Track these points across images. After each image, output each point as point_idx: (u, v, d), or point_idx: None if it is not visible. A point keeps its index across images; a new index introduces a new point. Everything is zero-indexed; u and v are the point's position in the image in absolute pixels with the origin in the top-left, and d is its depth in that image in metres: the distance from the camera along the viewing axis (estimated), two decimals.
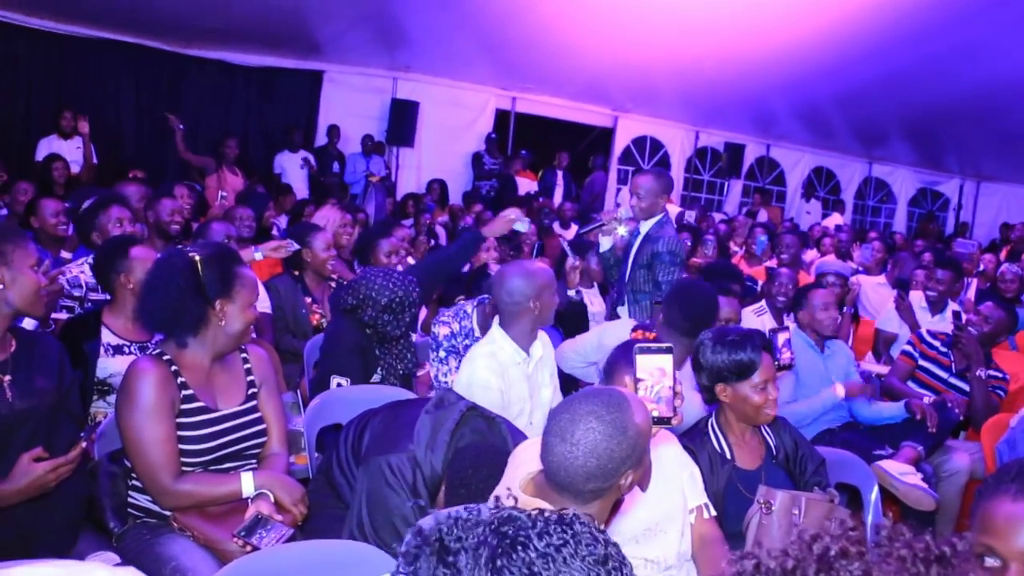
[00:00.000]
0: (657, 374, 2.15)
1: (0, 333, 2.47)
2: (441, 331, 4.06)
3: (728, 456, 2.88)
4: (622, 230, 5.99)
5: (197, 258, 2.56)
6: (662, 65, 10.64)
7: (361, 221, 7.60)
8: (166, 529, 2.53)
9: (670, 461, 2.56)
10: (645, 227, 4.93)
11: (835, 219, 13.23)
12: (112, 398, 3.25)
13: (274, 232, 7.30)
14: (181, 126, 9.01)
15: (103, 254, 3.47)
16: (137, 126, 10.40)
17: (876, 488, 3.41)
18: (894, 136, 14.27)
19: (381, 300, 3.57)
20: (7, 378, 2.44)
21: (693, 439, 2.90)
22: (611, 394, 1.88)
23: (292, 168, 10.66)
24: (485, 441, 2.53)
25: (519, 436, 2.62)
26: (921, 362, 4.77)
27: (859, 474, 3.45)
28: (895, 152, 15.35)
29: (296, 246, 4.77)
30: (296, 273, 4.85)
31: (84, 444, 2.40)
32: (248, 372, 2.78)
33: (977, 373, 4.48)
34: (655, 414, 2.10)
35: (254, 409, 2.74)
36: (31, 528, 2.42)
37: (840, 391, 4.17)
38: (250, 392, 2.76)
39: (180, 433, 2.52)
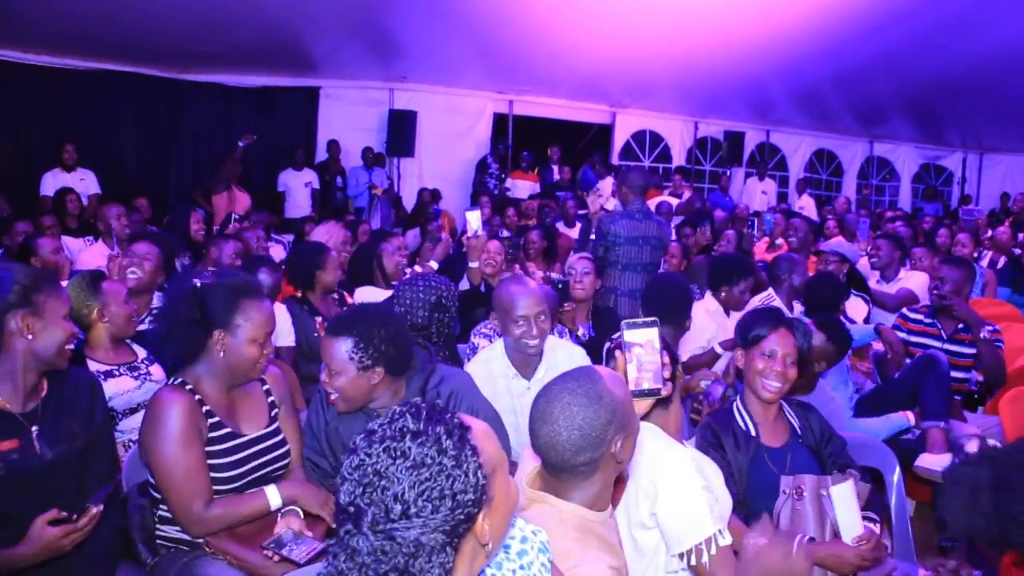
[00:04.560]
0: (645, 347, 2.19)
1: (30, 384, 2.41)
2: (482, 343, 4.07)
3: (753, 433, 2.91)
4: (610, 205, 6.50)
5: (198, 284, 2.55)
6: (657, 58, 10.63)
7: (364, 233, 7.62)
8: (200, 553, 2.55)
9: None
10: None
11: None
12: (122, 424, 3.30)
13: (280, 250, 7.33)
14: (242, 143, 8.80)
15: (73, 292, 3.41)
16: (138, 154, 10.46)
17: (898, 470, 3.42)
18: (894, 113, 14.23)
19: (430, 299, 3.59)
20: (34, 429, 2.39)
21: (718, 419, 2.96)
22: (581, 371, 1.97)
23: (296, 186, 10.71)
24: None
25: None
26: (912, 339, 4.78)
27: (879, 457, 3.46)
28: (896, 130, 15.31)
29: None
30: (299, 295, 4.70)
31: (95, 510, 2.31)
32: (268, 394, 2.79)
33: (982, 334, 4.51)
34: (644, 385, 2.16)
35: (277, 431, 2.76)
36: (70, 561, 2.38)
37: (911, 419, 4.15)
38: (272, 414, 2.77)
39: (210, 461, 2.53)
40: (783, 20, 9.47)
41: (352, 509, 1.30)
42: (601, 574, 1.83)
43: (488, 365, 3.48)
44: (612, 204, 5.44)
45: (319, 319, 4.65)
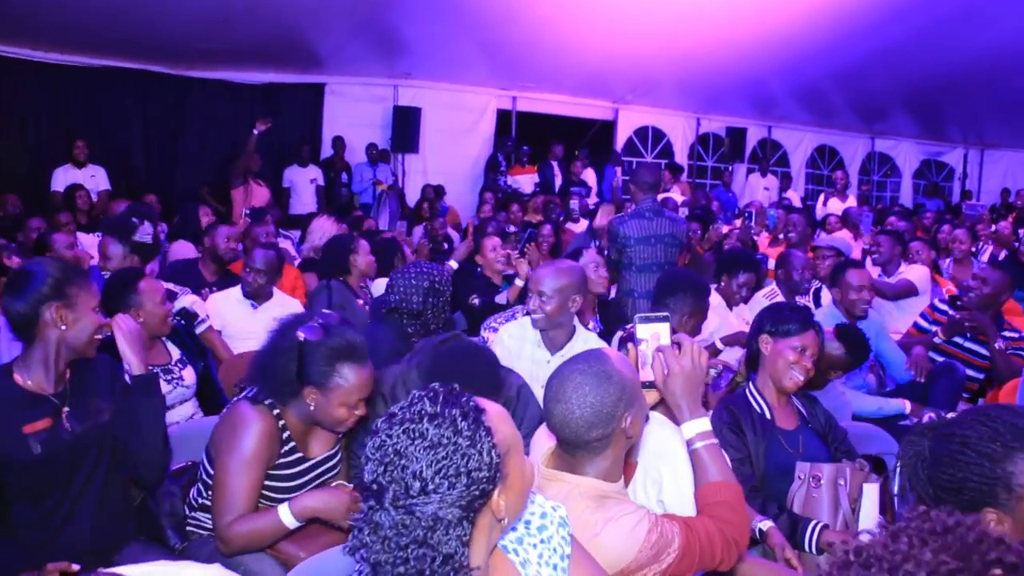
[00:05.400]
0: (652, 341, 2.28)
1: (60, 370, 2.52)
2: (490, 336, 4.17)
3: (768, 416, 3.04)
4: None
5: (301, 339, 2.53)
6: (660, 55, 10.68)
7: (370, 229, 7.72)
8: None
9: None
10: None
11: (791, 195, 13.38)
12: None
13: (288, 246, 7.41)
14: (259, 129, 8.80)
15: (111, 289, 3.49)
16: (146, 151, 10.54)
17: None
18: (895, 110, 14.28)
19: (423, 284, 3.74)
20: (65, 410, 2.51)
21: (735, 402, 3.07)
22: (591, 353, 2.11)
23: (301, 182, 10.79)
24: (463, 344, 2.63)
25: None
26: (937, 330, 4.85)
27: (884, 444, 3.53)
28: (897, 126, 15.36)
29: None
30: (341, 279, 5.12)
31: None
32: None
33: (996, 345, 4.56)
34: (651, 377, 2.24)
35: (339, 451, 2.82)
36: (79, 535, 2.51)
37: (908, 409, 4.29)
38: (340, 436, 2.81)
39: (273, 473, 2.59)
40: (784, 17, 9.52)
41: (375, 486, 1.40)
42: (630, 518, 1.94)
43: (523, 328, 3.75)
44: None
45: (360, 301, 5.02)
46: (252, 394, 2.60)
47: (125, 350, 2.63)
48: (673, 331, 2.32)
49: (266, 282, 4.76)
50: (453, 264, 5.79)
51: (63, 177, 8.74)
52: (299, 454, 2.64)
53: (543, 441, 2.19)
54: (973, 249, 7.78)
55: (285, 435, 2.60)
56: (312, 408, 2.56)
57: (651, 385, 2.24)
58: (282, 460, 2.60)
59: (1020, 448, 1.69)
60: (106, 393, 2.65)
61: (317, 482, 2.71)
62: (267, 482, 2.58)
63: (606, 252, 5.52)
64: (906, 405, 4.30)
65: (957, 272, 6.95)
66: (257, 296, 4.74)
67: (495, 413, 1.52)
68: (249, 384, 2.64)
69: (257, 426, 2.52)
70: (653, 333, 2.29)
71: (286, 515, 2.49)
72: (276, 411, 2.59)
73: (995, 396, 4.65)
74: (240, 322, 4.63)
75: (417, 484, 1.37)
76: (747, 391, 3.12)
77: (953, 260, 6.91)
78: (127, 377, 2.65)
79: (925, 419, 4.00)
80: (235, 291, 4.78)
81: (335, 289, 4.97)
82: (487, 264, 5.87)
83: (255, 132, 8.62)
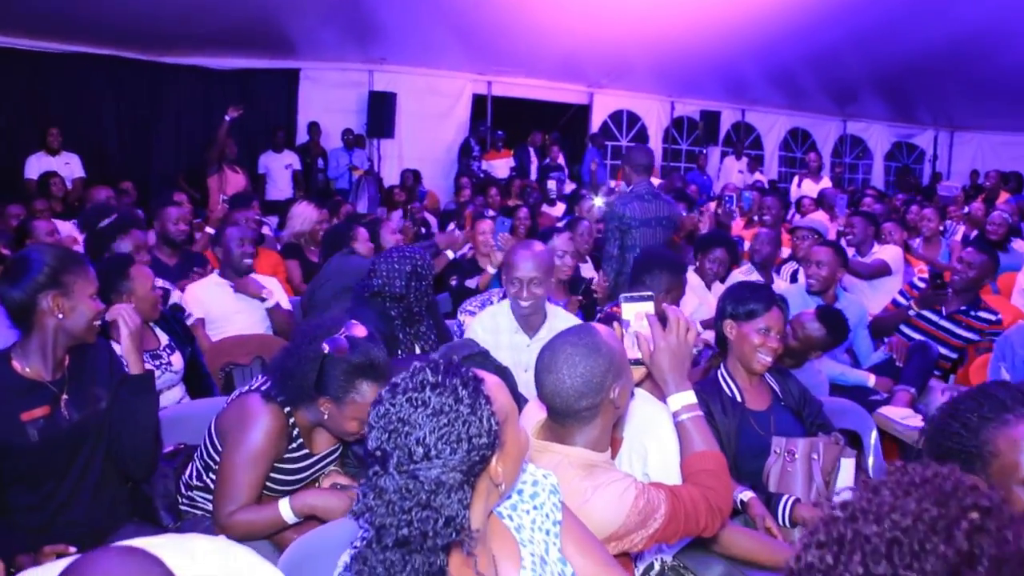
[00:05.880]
0: (637, 319, 2.34)
1: (60, 357, 2.53)
2: (467, 320, 4.22)
3: (739, 399, 3.08)
4: (598, 201, 6.51)
5: (325, 351, 2.52)
6: (635, 39, 10.75)
7: (347, 214, 7.72)
8: None
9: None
10: None
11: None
12: None
13: (266, 231, 7.40)
14: (230, 116, 8.65)
15: (101, 275, 3.49)
16: (120, 138, 10.45)
17: (875, 432, 3.60)
18: (867, 93, 14.43)
19: (405, 268, 3.78)
20: (64, 397, 2.52)
21: (705, 387, 3.10)
22: (580, 327, 2.20)
23: (276, 168, 10.76)
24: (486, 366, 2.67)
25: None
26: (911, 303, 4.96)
27: (858, 419, 3.64)
28: (868, 108, 15.52)
29: None
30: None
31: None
32: None
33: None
34: (637, 355, 2.30)
35: (341, 445, 2.85)
36: (74, 519, 2.54)
37: (871, 382, 4.41)
38: None
39: (278, 466, 2.62)
40: (757, 1, 9.61)
41: (379, 453, 1.46)
42: (617, 485, 2.01)
43: (495, 319, 3.74)
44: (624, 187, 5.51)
45: None
46: (266, 388, 2.61)
47: (127, 347, 2.65)
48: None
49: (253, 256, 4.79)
50: (449, 254, 5.87)
51: (37, 164, 8.65)
52: (305, 450, 2.68)
53: (533, 413, 2.26)
54: (941, 228, 7.91)
55: (294, 432, 2.63)
56: (325, 417, 2.57)
57: (638, 362, 2.30)
58: (288, 456, 2.64)
59: (995, 419, 1.76)
60: (104, 381, 2.65)
61: (319, 469, 2.76)
62: (271, 474, 2.61)
63: (609, 234, 5.42)
64: (870, 378, 4.42)
65: (927, 251, 7.07)
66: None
67: (493, 383, 1.59)
68: (267, 377, 2.64)
69: (267, 423, 2.53)
70: (638, 312, 2.36)
71: (286, 510, 2.52)
72: (287, 409, 2.61)
73: (965, 373, 4.76)
74: (222, 305, 4.64)
75: (420, 450, 1.43)
76: (719, 374, 3.15)
77: (923, 239, 7.03)
78: (125, 368, 2.67)
79: (899, 396, 4.16)
80: (211, 277, 4.78)
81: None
82: (478, 247, 5.91)
83: (227, 119, 8.57)
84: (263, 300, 4.61)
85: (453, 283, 5.49)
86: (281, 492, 2.63)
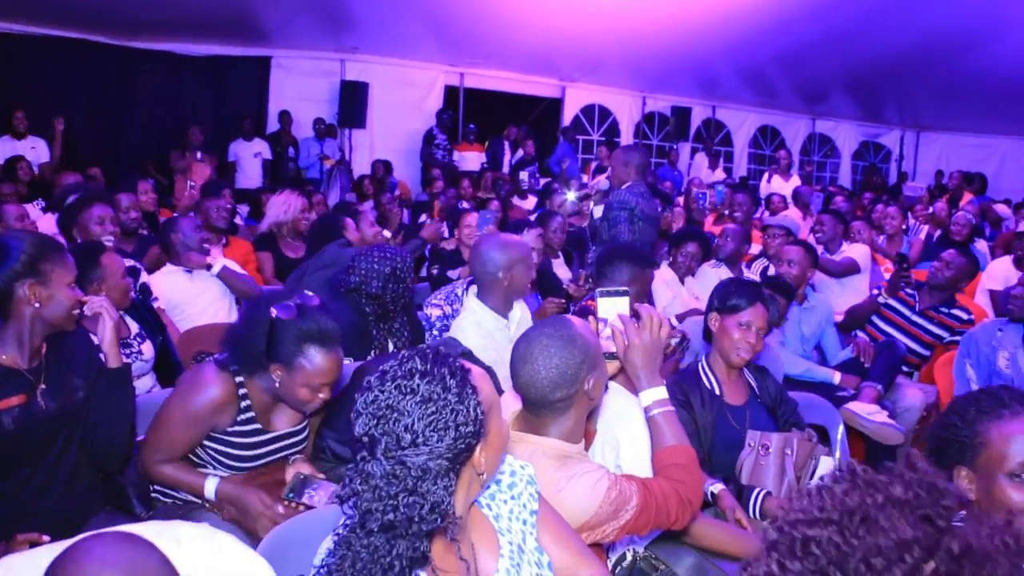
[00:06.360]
0: (614, 314, 2.38)
1: (36, 345, 2.50)
2: (433, 312, 4.23)
3: (718, 392, 3.15)
4: (571, 196, 6.51)
5: (273, 316, 2.55)
6: (607, 34, 10.77)
7: (319, 203, 7.70)
8: (197, 507, 2.66)
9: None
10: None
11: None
12: None
13: (237, 220, 7.36)
14: None
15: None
16: (88, 123, 10.30)
17: (842, 427, 3.66)
18: (835, 92, 14.57)
19: (384, 270, 3.76)
20: (41, 387, 2.49)
21: (686, 378, 3.17)
22: (555, 319, 2.22)
23: (246, 156, 10.69)
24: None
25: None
26: (888, 300, 5.04)
27: (826, 415, 3.69)
28: (837, 107, 15.67)
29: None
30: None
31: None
32: None
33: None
34: (612, 348, 2.34)
35: (305, 428, 2.85)
36: (46, 508, 2.52)
37: (836, 379, 4.52)
38: (304, 423, 2.84)
39: (226, 439, 2.63)
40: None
41: (366, 439, 1.48)
42: (591, 476, 2.04)
43: (480, 326, 3.55)
44: (603, 182, 5.51)
45: None
46: (222, 358, 2.65)
47: (106, 340, 2.63)
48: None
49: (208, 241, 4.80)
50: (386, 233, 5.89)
51: (2, 149, 8.55)
52: (256, 425, 2.66)
53: (509, 404, 2.28)
54: (904, 227, 8.05)
55: (244, 404, 2.63)
56: (277, 385, 2.58)
57: (612, 356, 2.33)
58: (237, 428, 2.64)
59: (991, 414, 1.84)
60: (82, 371, 2.63)
61: (275, 449, 2.74)
62: (221, 447, 2.63)
63: (621, 223, 5.29)
64: (835, 375, 4.52)
65: (889, 247, 7.19)
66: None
67: (478, 373, 1.62)
68: (221, 350, 2.67)
69: (214, 390, 2.57)
70: (613, 307, 2.38)
71: (210, 486, 2.58)
72: (239, 379, 2.62)
73: (929, 370, 4.85)
74: (182, 291, 4.58)
75: (408, 436, 1.45)
76: (700, 366, 3.23)
77: (886, 236, 7.15)
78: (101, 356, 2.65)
79: (865, 392, 4.23)
80: (164, 268, 4.70)
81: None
82: (462, 240, 5.90)
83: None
84: (209, 268, 4.60)
85: (435, 272, 5.48)
86: (235, 468, 2.65)
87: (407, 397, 1.48)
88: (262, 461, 2.71)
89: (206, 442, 2.64)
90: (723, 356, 3.17)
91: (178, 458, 2.61)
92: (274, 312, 2.55)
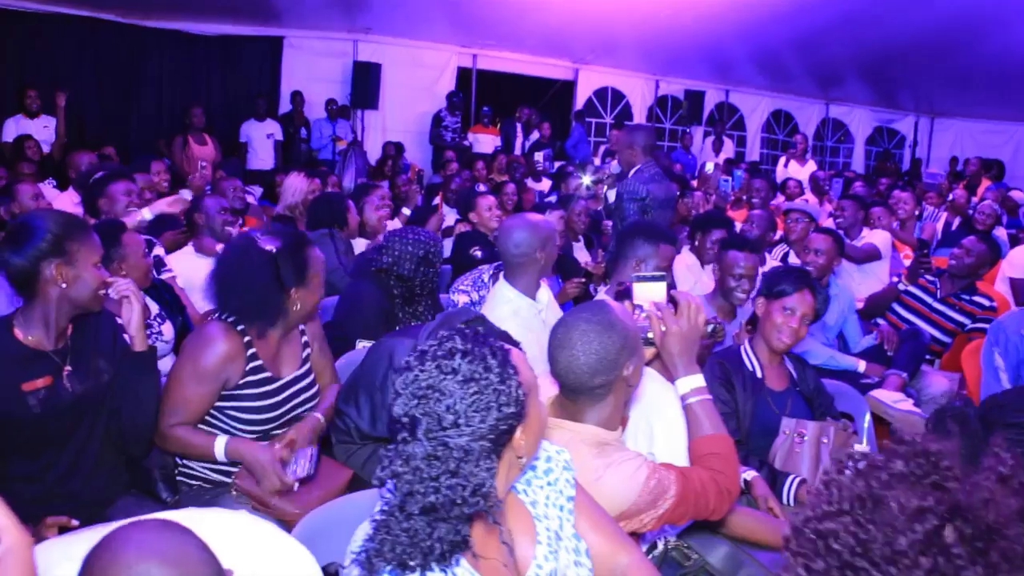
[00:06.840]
0: (649, 300, 2.35)
1: (61, 327, 2.46)
2: (461, 299, 4.21)
3: (759, 376, 3.14)
4: (586, 180, 6.42)
5: (274, 251, 2.63)
6: (620, 15, 10.68)
7: (333, 185, 7.65)
8: (222, 492, 2.65)
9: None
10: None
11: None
12: None
13: (250, 199, 7.32)
14: None
15: None
16: (100, 102, 10.27)
17: (868, 415, 3.63)
18: (850, 77, 14.44)
19: (419, 253, 3.76)
20: (67, 369, 2.46)
21: (728, 359, 3.17)
22: (594, 303, 2.20)
23: (258, 137, 10.63)
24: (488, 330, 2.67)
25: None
26: (909, 288, 5.00)
27: (853, 402, 3.67)
28: (851, 92, 15.52)
29: (188, 196, 4.85)
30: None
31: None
32: (302, 333, 2.91)
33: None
34: (648, 335, 2.31)
35: (309, 372, 2.88)
36: (72, 491, 2.51)
37: (861, 367, 4.46)
38: (305, 355, 2.89)
39: (241, 393, 2.65)
40: None
41: (406, 419, 1.45)
42: (630, 464, 2.02)
43: (517, 314, 3.41)
44: (615, 166, 5.40)
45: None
46: (226, 316, 2.70)
47: (134, 323, 2.58)
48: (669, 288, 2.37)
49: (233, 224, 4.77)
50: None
51: (15, 127, 8.49)
52: (267, 373, 2.70)
53: (545, 390, 2.23)
54: (917, 212, 7.98)
55: (251, 352, 2.67)
56: (297, 308, 2.72)
57: (649, 342, 2.29)
58: (248, 379, 2.66)
59: None
60: (108, 353, 2.60)
61: (293, 402, 2.78)
62: (237, 404, 2.66)
63: (629, 214, 5.17)
64: (860, 364, 4.48)
65: (902, 233, 7.10)
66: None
67: (518, 355, 1.58)
68: (223, 312, 2.71)
69: (218, 347, 2.60)
70: (650, 292, 2.34)
71: (219, 447, 2.60)
72: (241, 328, 2.67)
73: (954, 358, 4.80)
74: (200, 273, 4.54)
75: (450, 417, 1.42)
76: (742, 349, 3.23)
77: (899, 222, 7.06)
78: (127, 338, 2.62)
79: (890, 380, 4.20)
80: (187, 248, 4.69)
81: (337, 237, 4.93)
82: (482, 223, 5.79)
83: None
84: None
85: (478, 254, 5.30)
86: (254, 429, 2.68)
87: (448, 377, 1.45)
88: (277, 413, 2.72)
89: (222, 403, 2.66)
90: (766, 340, 3.18)
91: (193, 422, 2.63)
92: (272, 248, 2.65)
